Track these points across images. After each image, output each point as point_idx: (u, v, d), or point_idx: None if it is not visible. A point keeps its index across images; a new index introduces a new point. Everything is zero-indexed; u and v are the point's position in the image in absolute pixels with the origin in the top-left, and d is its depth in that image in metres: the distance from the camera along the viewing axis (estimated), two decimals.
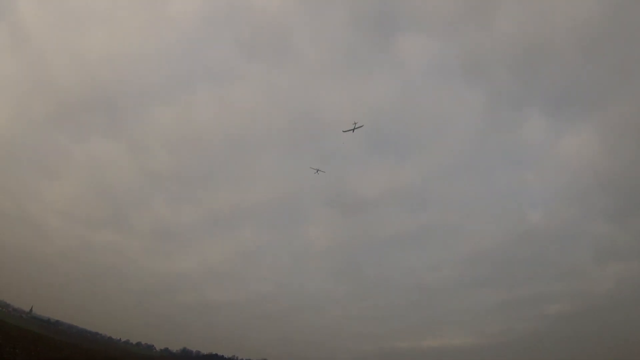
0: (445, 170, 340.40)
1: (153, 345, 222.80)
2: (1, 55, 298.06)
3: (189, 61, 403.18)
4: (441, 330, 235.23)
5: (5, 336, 60.99)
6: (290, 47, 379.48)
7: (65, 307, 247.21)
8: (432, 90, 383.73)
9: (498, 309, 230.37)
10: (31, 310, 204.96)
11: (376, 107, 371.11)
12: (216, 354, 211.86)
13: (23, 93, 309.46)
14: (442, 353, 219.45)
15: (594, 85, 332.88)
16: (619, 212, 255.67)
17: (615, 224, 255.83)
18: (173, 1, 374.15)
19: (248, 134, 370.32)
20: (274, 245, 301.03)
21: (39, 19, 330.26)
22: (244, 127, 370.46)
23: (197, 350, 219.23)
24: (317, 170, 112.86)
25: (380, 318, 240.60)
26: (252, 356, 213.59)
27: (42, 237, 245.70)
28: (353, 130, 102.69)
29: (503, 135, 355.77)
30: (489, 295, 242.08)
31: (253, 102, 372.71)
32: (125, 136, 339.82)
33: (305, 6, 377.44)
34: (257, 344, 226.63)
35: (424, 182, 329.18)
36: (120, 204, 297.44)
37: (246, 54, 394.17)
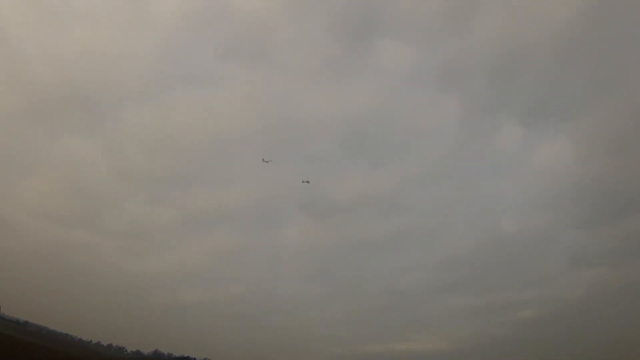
0: (421, 176, 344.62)
1: (124, 348, 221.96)
2: None
3: (168, 62, 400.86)
4: (412, 334, 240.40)
5: None
6: (271, 51, 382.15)
7: (35, 308, 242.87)
8: (409, 96, 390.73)
9: (470, 314, 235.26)
10: None
11: (354, 112, 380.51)
12: (188, 357, 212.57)
13: None
14: (413, 357, 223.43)
15: (569, 96, 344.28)
16: (590, 221, 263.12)
17: (586, 232, 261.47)
18: (154, 1, 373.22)
19: (226, 136, 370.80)
20: (248, 247, 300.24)
21: (17, 13, 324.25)
22: (221, 129, 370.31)
23: (169, 352, 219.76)
24: (308, 182, 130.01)
25: (352, 321, 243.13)
26: (224, 359, 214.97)
27: (12, 234, 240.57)
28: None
29: (478, 142, 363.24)
30: (460, 299, 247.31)
31: (232, 104, 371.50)
32: (102, 135, 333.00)
33: (286, 10, 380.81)
34: (230, 346, 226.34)
35: (399, 187, 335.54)
36: (94, 203, 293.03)
37: (226, 56, 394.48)
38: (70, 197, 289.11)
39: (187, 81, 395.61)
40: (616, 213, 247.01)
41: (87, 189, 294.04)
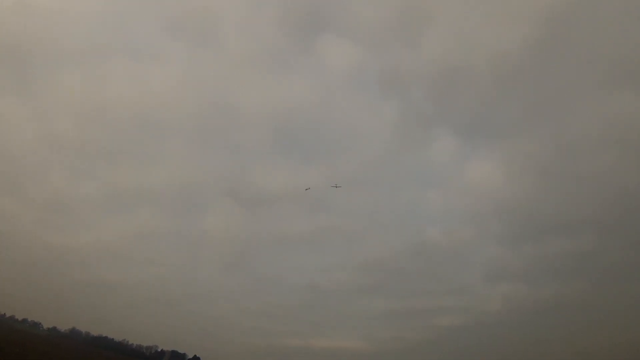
0: (350, 177, 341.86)
1: (40, 323, 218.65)
2: None
3: (111, 30, 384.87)
4: (331, 331, 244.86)
5: None
6: (216, 35, 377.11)
7: None
8: (349, 97, 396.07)
9: (389, 317, 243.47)
10: None
11: (291, 106, 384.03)
12: (106, 337, 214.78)
13: None
14: (330, 353, 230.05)
15: (504, 119, 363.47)
16: (511, 238, 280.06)
17: (506, 249, 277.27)
18: None
19: (159, 115, 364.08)
20: (170, 231, 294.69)
21: None
22: (156, 107, 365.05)
23: (87, 331, 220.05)
24: (336, 185, 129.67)
25: (271, 314, 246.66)
26: (142, 342, 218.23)
27: None
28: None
29: (412, 151, 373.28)
30: (380, 302, 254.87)
31: (170, 83, 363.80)
32: (31, 96, 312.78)
33: None
34: (149, 329, 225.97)
35: (327, 186, 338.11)
36: (15, 168, 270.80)
37: (170, 33, 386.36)
38: None
39: (127, 52, 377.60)
40: (536, 234, 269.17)
41: (8, 151, 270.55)
